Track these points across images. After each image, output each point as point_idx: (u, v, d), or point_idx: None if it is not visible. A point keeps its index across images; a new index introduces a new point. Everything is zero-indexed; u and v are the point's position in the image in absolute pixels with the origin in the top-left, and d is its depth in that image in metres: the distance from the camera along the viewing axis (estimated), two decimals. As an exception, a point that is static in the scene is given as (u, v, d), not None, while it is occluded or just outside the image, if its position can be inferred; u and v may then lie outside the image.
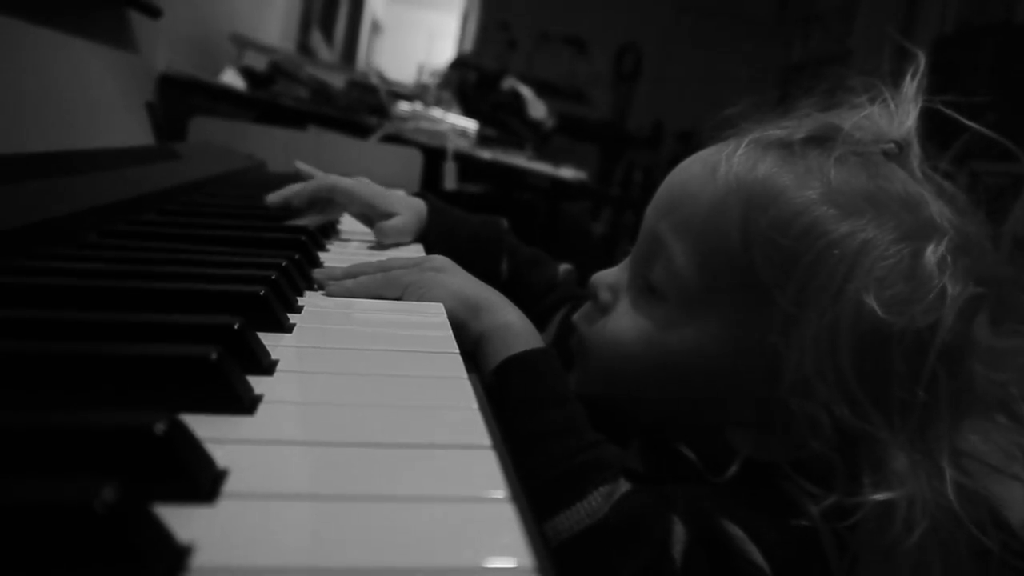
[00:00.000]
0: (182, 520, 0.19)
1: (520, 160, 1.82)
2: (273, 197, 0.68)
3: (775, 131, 0.47)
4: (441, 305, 0.46)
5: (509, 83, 2.34)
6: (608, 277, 0.52)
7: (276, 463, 0.23)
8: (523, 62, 4.58)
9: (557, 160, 2.06)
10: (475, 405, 0.29)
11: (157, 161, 0.84)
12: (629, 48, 4.92)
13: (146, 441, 0.20)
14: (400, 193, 0.73)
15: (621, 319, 0.49)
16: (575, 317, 0.55)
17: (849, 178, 0.43)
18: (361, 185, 0.70)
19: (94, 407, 0.26)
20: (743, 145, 0.46)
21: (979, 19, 3.44)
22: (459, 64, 2.27)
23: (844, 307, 0.39)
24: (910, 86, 0.48)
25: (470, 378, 0.33)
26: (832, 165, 0.43)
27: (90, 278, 0.40)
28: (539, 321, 0.66)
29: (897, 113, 0.47)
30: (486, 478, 0.23)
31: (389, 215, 0.68)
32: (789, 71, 4.65)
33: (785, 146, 0.45)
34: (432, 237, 0.71)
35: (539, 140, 2.41)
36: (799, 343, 0.40)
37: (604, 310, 0.51)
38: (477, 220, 0.74)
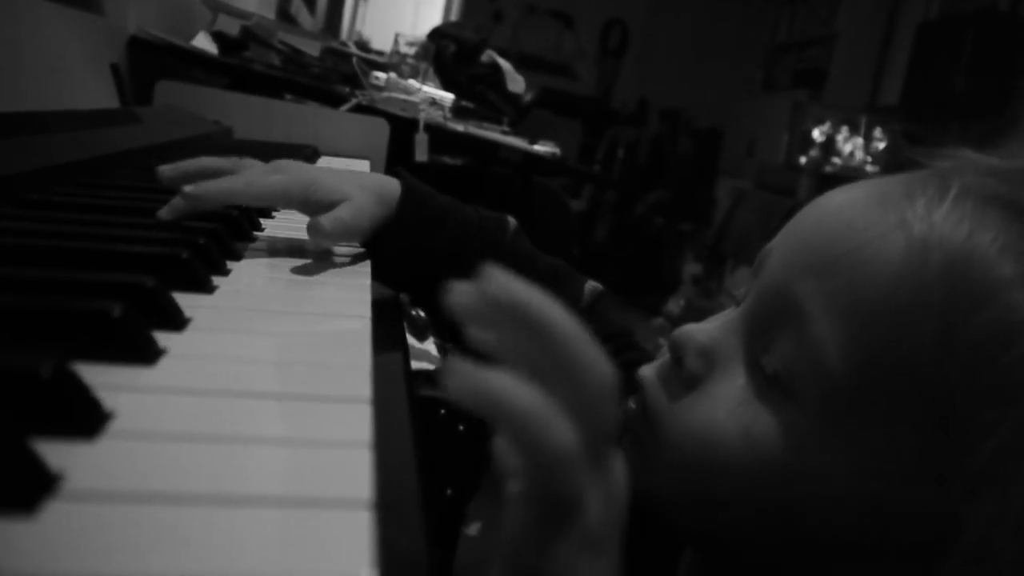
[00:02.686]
0: (60, 453, 0.21)
1: (492, 133, 1.83)
2: (168, 170, 0.48)
3: (992, 178, 0.33)
4: (367, 265, 0.47)
5: (488, 55, 2.34)
6: (702, 337, 0.38)
7: (163, 409, 0.25)
8: (509, 34, 4.56)
9: (539, 135, 2.07)
10: (367, 364, 0.31)
11: (116, 124, 0.85)
12: (615, 24, 4.91)
13: (32, 382, 0.22)
14: (360, 169, 0.60)
15: (720, 410, 0.35)
16: (645, 375, 0.40)
17: None
18: (293, 166, 0.48)
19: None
20: (951, 194, 0.33)
21: (963, 6, 3.47)
22: (437, 35, 2.26)
23: None
24: None
25: (374, 344, 0.35)
26: None
27: (25, 237, 0.41)
28: None
29: None
30: (359, 428, 0.26)
31: (332, 203, 0.47)
32: (774, 52, 4.66)
33: (1014, 207, 0.32)
34: (403, 231, 0.50)
35: (517, 114, 2.42)
36: (995, 512, 0.29)
37: (691, 383, 0.37)
38: (473, 216, 0.54)
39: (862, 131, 3.54)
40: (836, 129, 3.60)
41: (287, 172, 0.47)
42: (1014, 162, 0.35)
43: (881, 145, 3.44)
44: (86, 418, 0.23)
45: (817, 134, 3.63)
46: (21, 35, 0.77)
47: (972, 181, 0.33)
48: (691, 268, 4.18)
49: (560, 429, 0.21)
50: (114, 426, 0.23)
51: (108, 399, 0.24)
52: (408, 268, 0.51)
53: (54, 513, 0.19)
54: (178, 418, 0.25)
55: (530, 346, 0.23)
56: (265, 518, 0.20)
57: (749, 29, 4.81)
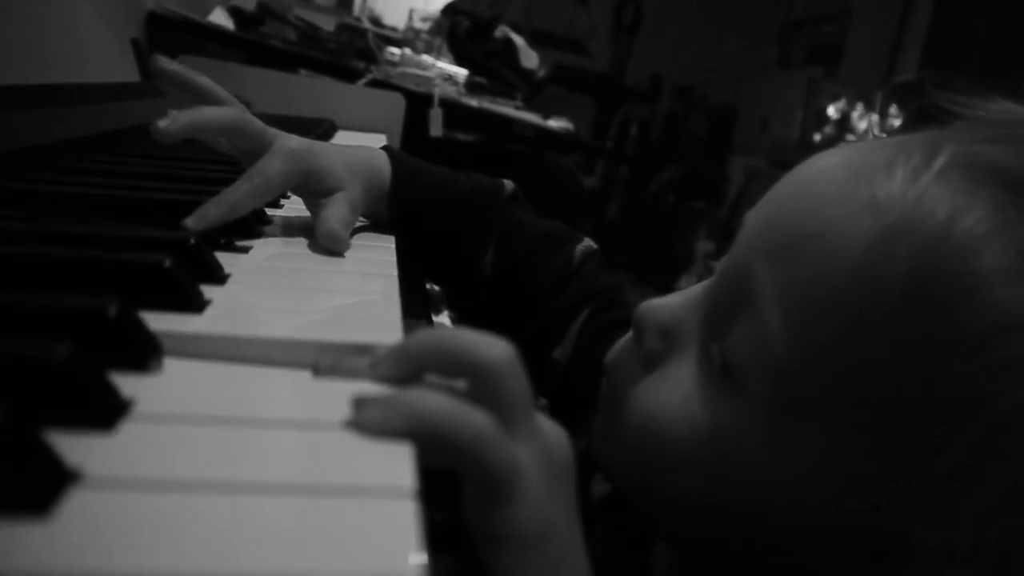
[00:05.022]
0: (129, 383, 0.23)
1: (507, 109, 1.84)
2: (167, 125, 0.40)
3: (996, 145, 0.28)
4: (392, 241, 0.48)
5: (501, 31, 2.34)
6: (663, 314, 0.36)
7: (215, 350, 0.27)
8: (522, 10, 4.53)
9: (552, 111, 2.08)
10: (398, 315, 0.34)
11: (140, 97, 0.87)
12: (629, 0, 4.86)
13: (102, 320, 0.24)
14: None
15: (672, 396, 0.33)
16: (608, 358, 0.39)
17: None
18: (292, 141, 0.46)
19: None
20: (936, 165, 0.28)
21: (982, -20, 3.41)
22: (451, 10, 2.26)
23: None
24: None
25: (401, 297, 0.37)
26: None
27: (71, 200, 0.44)
28: (550, 331, 0.51)
29: None
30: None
31: (328, 189, 0.46)
32: (789, 28, 4.61)
33: (1008, 183, 0.27)
34: (395, 210, 0.50)
35: (530, 90, 2.42)
36: (946, 539, 0.26)
37: (649, 363, 0.36)
38: (465, 185, 0.53)
39: (878, 108, 3.50)
40: (851, 106, 3.57)
41: (284, 157, 0.45)
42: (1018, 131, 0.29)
43: (897, 122, 3.41)
44: (148, 355, 0.25)
45: (832, 111, 3.61)
46: (48, 11, 0.79)
47: (968, 149, 0.28)
48: (703, 246, 4.18)
49: (472, 415, 0.23)
50: (170, 362, 0.26)
51: (165, 342, 0.27)
52: (405, 242, 0.50)
53: (128, 432, 0.21)
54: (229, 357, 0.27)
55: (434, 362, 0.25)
56: (305, 437, 0.22)
57: (764, 5, 4.75)
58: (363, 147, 0.51)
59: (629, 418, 0.35)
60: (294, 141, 0.46)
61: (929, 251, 0.27)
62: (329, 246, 0.44)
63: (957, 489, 0.26)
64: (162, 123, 0.40)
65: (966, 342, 0.26)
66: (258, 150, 0.44)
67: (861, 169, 0.30)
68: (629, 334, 0.38)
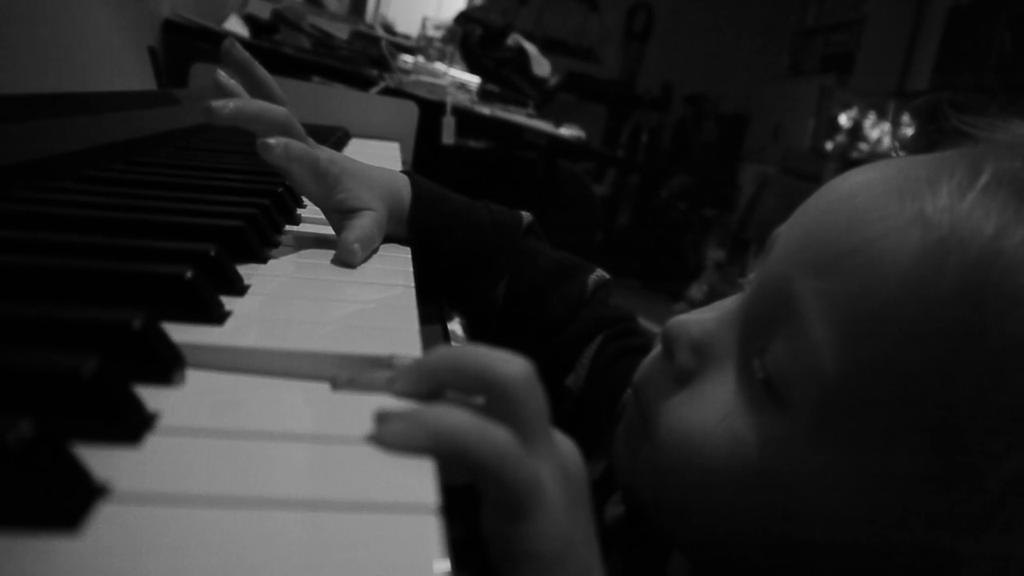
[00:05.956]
0: (153, 396, 0.23)
1: (518, 116, 1.85)
2: (221, 106, 0.42)
3: None
4: (408, 252, 0.48)
5: (514, 39, 2.35)
6: (695, 330, 0.35)
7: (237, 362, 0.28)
8: (534, 18, 4.54)
9: (564, 118, 2.08)
10: (416, 327, 0.34)
11: (157, 106, 0.88)
12: (641, 7, 4.87)
13: (127, 333, 0.24)
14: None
15: (710, 414, 0.33)
16: (637, 376, 0.39)
17: None
18: (327, 153, 0.46)
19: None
20: (980, 181, 0.29)
21: (995, -11, 3.39)
22: (463, 18, 2.27)
23: None
24: None
25: (418, 308, 0.37)
26: None
27: (90, 210, 0.44)
28: (562, 359, 0.51)
29: None
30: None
31: (353, 209, 0.46)
32: (801, 35, 4.60)
33: None
34: (412, 234, 0.50)
35: (542, 97, 2.43)
36: (1001, 552, 0.27)
37: (682, 379, 0.35)
38: (484, 216, 0.53)
39: (890, 117, 3.49)
40: (863, 115, 3.56)
41: (328, 156, 0.46)
42: None
43: (909, 131, 3.40)
44: (172, 367, 0.25)
45: (844, 119, 3.60)
46: (66, 20, 0.80)
47: (1010, 166, 0.29)
48: (714, 254, 4.17)
49: (493, 432, 0.23)
50: (192, 374, 0.26)
51: (187, 354, 0.27)
52: (420, 267, 0.49)
53: (154, 445, 0.21)
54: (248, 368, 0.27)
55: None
56: (327, 451, 0.22)
57: (776, 12, 4.75)
58: (385, 169, 0.51)
59: (662, 435, 0.35)
60: (328, 151, 0.47)
61: (980, 265, 0.27)
62: (342, 257, 0.43)
63: (1014, 500, 0.27)
64: (217, 103, 0.42)
65: (1018, 354, 0.27)
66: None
67: (904, 184, 0.30)
68: (656, 350, 0.38)
